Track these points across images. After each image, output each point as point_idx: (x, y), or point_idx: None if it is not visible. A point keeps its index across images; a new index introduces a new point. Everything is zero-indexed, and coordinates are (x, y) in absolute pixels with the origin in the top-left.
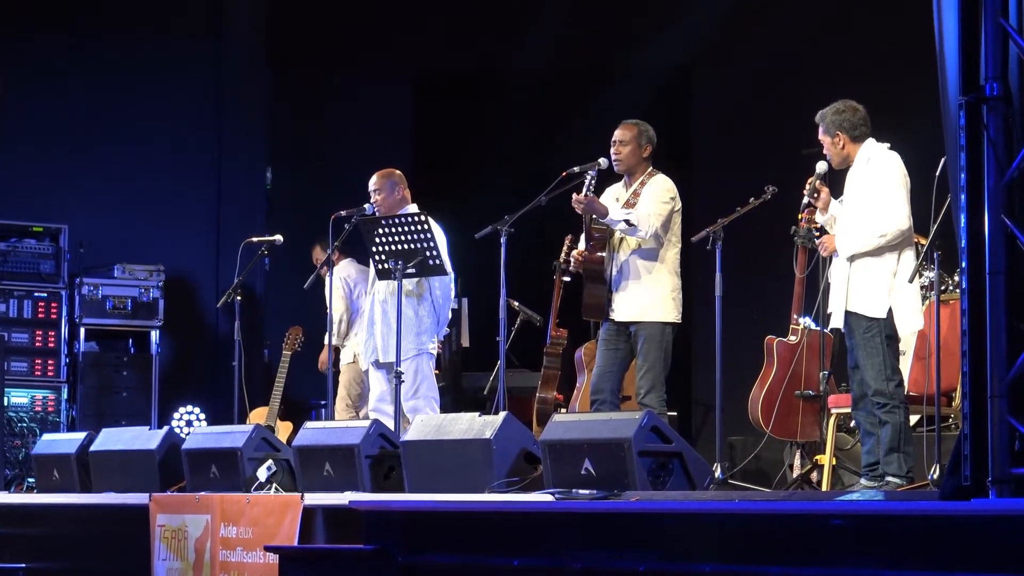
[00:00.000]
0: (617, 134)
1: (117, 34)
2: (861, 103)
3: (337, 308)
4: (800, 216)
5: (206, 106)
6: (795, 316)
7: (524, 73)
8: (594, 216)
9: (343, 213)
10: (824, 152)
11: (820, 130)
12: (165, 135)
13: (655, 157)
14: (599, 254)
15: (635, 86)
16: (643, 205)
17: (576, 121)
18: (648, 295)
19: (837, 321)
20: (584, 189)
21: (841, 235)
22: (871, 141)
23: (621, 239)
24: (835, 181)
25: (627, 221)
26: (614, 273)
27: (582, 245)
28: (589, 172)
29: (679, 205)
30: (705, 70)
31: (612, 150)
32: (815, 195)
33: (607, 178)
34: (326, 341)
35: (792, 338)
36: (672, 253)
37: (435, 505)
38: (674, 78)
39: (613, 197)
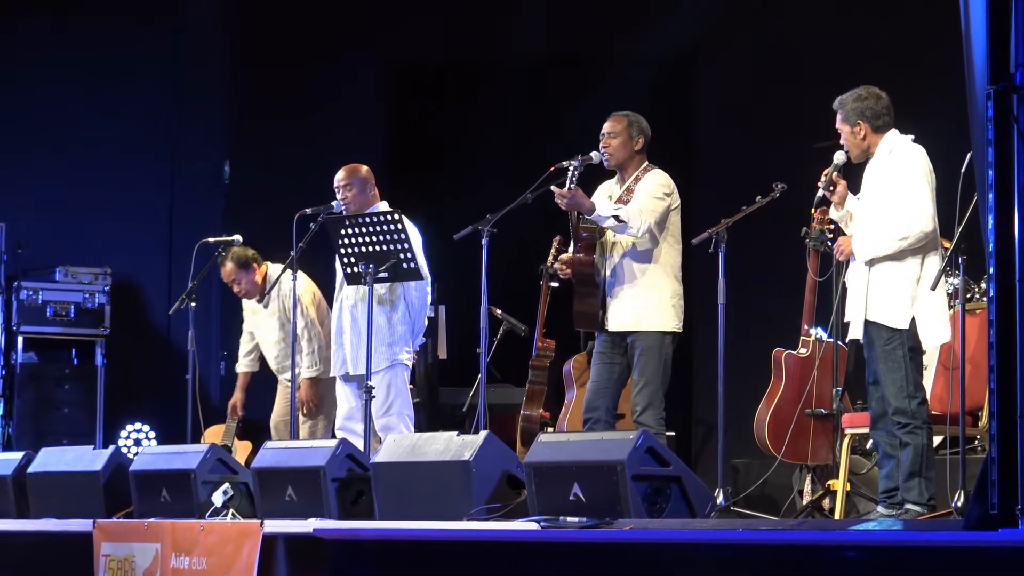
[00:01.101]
0: (606, 127)
1: (64, 19)
2: (883, 91)
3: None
4: (812, 214)
5: (160, 95)
6: (806, 326)
7: (510, 62)
8: (581, 214)
9: (308, 211)
10: (842, 143)
11: (838, 118)
12: (114, 126)
13: (652, 152)
14: (589, 257)
15: (632, 76)
16: (635, 201)
17: (567, 113)
18: (645, 302)
19: (856, 331)
20: (568, 182)
21: (859, 237)
22: (894, 132)
23: (614, 240)
24: (852, 177)
25: (616, 217)
26: (607, 278)
27: (572, 248)
28: (573, 164)
29: (677, 202)
30: (708, 57)
31: (601, 144)
32: (831, 188)
33: (601, 176)
34: (287, 373)
35: (803, 351)
36: (671, 255)
37: (408, 534)
38: (675, 67)
39: (606, 195)
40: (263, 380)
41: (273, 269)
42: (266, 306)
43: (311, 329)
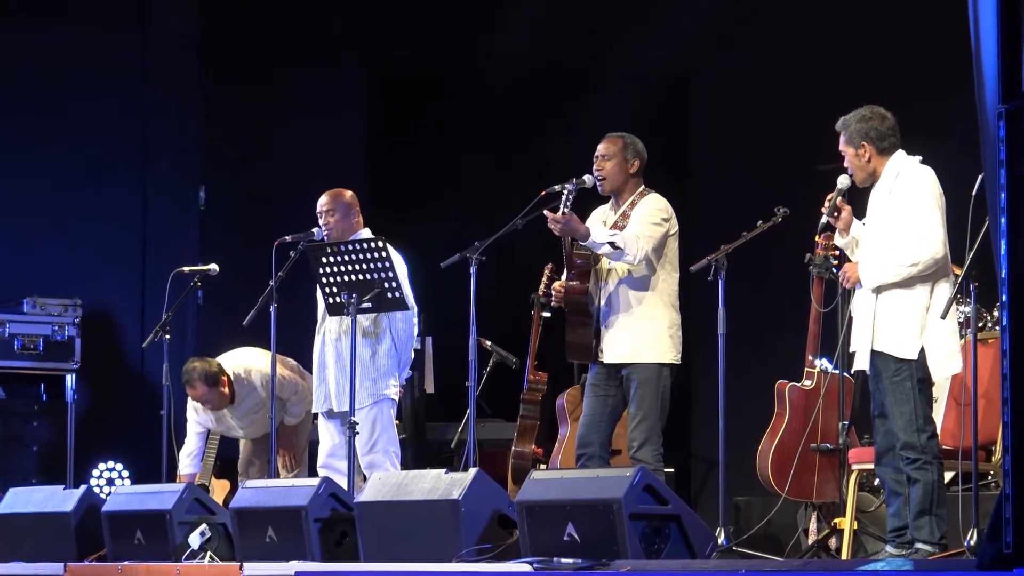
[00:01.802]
0: (600, 148)
1: (25, 34)
2: (887, 110)
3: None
4: (817, 240)
5: (129, 114)
6: (810, 357)
7: (498, 77)
8: (575, 240)
9: (288, 239)
10: (846, 165)
11: (842, 140)
12: (82, 148)
13: (648, 174)
14: (583, 285)
15: (625, 93)
16: (631, 226)
17: (558, 133)
18: (641, 333)
19: (862, 362)
20: (561, 206)
21: (865, 263)
22: (900, 154)
23: (609, 268)
24: (857, 201)
25: (612, 244)
26: (602, 307)
27: (565, 275)
28: (567, 187)
29: (675, 228)
30: (704, 74)
31: (595, 166)
32: (835, 214)
33: (595, 200)
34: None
35: (807, 383)
36: (668, 284)
37: None
38: (670, 84)
39: (600, 220)
40: None
41: (231, 363)
42: (238, 405)
43: (292, 388)
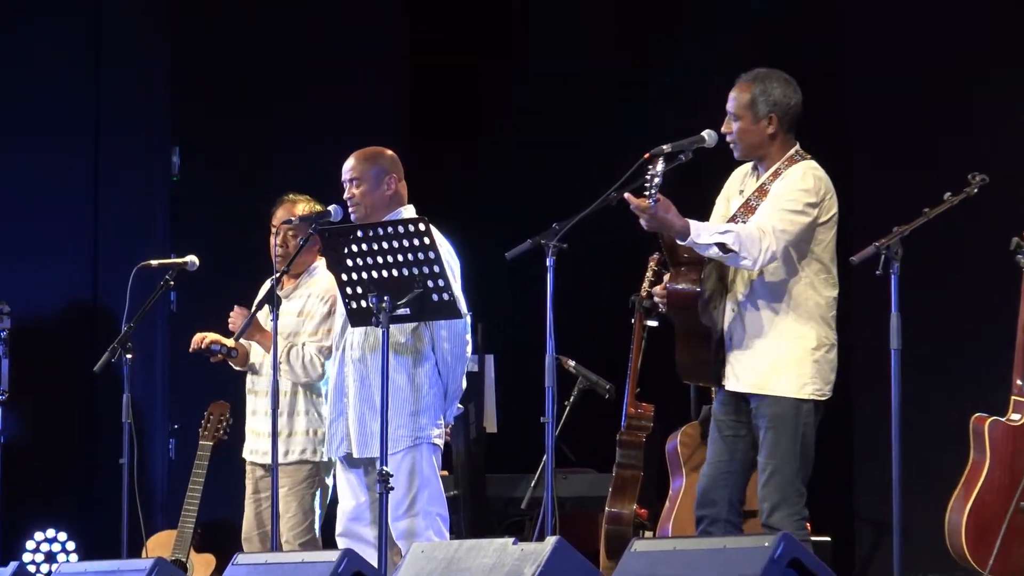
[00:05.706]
0: (729, 99)
1: None
2: None
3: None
4: None
5: (78, 56)
6: (1019, 382)
7: None
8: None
9: (294, 220)
10: None
11: None
12: (12, 103)
13: (800, 133)
14: (694, 288)
15: (749, 16)
16: (759, 213)
17: (662, 70)
18: (774, 354)
19: None
20: (649, 189)
21: None
22: None
23: None
24: None
25: (721, 245)
26: (727, 317)
27: (669, 274)
28: (658, 160)
29: (829, 212)
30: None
31: (723, 126)
32: None
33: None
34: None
35: (1015, 417)
36: (816, 289)
37: None
38: (815, 11)
39: (736, 188)
40: (232, 472)
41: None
42: (286, 296)
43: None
